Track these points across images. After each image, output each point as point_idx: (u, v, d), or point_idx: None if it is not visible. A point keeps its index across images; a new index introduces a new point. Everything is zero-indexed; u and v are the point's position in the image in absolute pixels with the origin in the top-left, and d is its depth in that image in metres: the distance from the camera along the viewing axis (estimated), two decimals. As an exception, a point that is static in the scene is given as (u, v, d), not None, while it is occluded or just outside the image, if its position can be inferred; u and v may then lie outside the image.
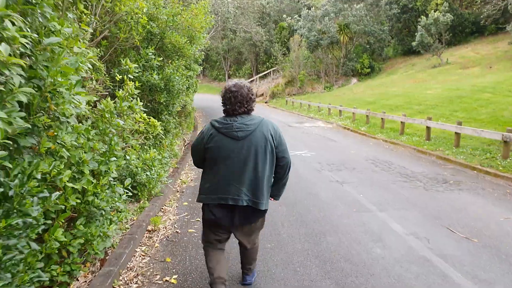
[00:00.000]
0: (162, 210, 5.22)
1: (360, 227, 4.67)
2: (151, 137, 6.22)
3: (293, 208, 5.36)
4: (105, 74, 5.29)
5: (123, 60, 5.00)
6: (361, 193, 6.14)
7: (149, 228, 4.49)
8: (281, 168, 2.83)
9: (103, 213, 3.33)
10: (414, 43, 27.70)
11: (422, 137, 11.81)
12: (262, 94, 37.11)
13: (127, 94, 4.80)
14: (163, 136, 6.31)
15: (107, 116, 3.85)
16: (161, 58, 7.08)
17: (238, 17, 32.95)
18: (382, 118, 14.60)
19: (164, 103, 7.19)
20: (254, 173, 2.68)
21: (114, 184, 3.56)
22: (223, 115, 2.81)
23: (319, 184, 6.74)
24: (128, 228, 4.19)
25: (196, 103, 24.27)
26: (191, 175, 7.42)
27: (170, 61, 7.70)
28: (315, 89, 32.68)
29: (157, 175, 5.25)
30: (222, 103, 2.80)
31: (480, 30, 29.75)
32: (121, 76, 4.88)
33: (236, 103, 2.73)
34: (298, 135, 13.42)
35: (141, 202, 5.04)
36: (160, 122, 7.21)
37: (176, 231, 4.51)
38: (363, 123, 16.27)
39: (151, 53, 6.64)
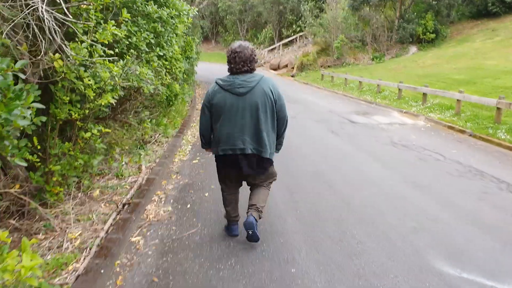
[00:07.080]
0: None
1: None
2: None
3: None
4: None
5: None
6: None
7: None
8: (279, 121, 3.06)
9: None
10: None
11: None
12: (287, 65, 29.25)
13: None
14: None
15: None
16: None
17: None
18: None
19: None
20: (256, 125, 2.93)
21: None
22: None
23: None
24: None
25: (202, 74, 17.75)
26: None
27: None
28: (359, 59, 24.85)
29: None
30: (227, 62, 2.99)
31: None
32: None
33: (240, 62, 2.92)
34: (396, 159, 6.24)
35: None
36: None
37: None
38: (482, 120, 9.04)
39: None
